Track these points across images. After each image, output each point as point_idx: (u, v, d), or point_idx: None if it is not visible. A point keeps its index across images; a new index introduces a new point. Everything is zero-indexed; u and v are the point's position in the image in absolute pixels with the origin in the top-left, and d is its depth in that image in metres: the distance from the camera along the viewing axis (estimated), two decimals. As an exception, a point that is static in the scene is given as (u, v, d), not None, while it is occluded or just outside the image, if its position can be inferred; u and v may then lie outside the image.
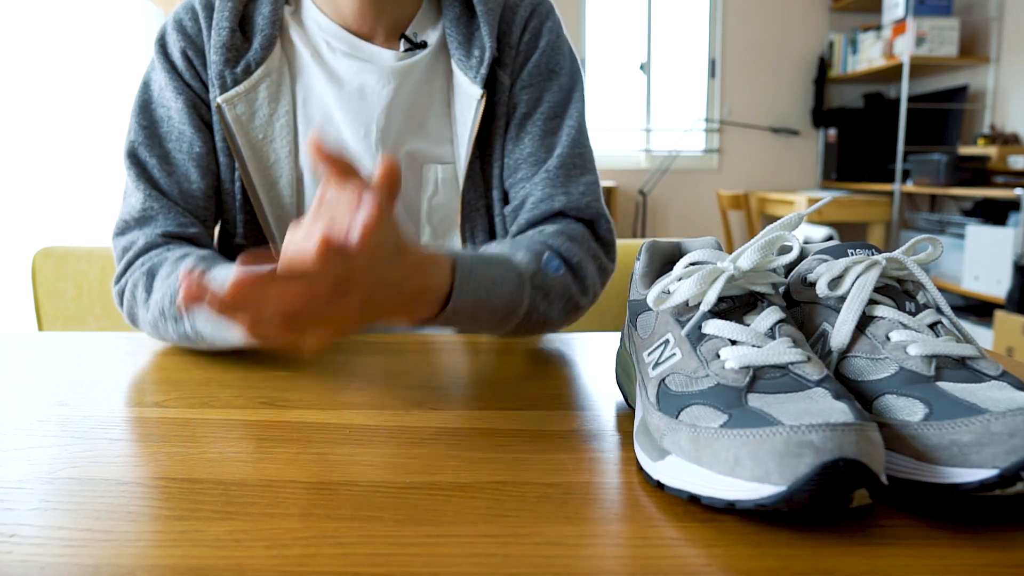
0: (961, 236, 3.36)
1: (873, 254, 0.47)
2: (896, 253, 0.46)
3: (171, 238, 0.75)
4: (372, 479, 0.42)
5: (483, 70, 0.78)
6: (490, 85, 0.80)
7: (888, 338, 0.43)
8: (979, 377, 0.40)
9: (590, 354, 0.72)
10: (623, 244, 1.06)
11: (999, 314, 2.81)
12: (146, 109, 0.80)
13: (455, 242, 0.83)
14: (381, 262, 0.48)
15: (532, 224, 0.78)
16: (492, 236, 0.83)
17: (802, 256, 0.51)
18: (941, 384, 0.40)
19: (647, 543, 0.36)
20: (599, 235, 0.79)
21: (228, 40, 0.77)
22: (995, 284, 3.03)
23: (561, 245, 0.72)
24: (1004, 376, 0.40)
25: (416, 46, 0.81)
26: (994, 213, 3.25)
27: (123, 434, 0.50)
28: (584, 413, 0.54)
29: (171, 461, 0.45)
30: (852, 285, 0.45)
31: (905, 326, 0.43)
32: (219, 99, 0.77)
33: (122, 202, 0.78)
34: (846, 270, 0.46)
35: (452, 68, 0.81)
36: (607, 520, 0.37)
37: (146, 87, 0.81)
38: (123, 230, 0.76)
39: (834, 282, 0.46)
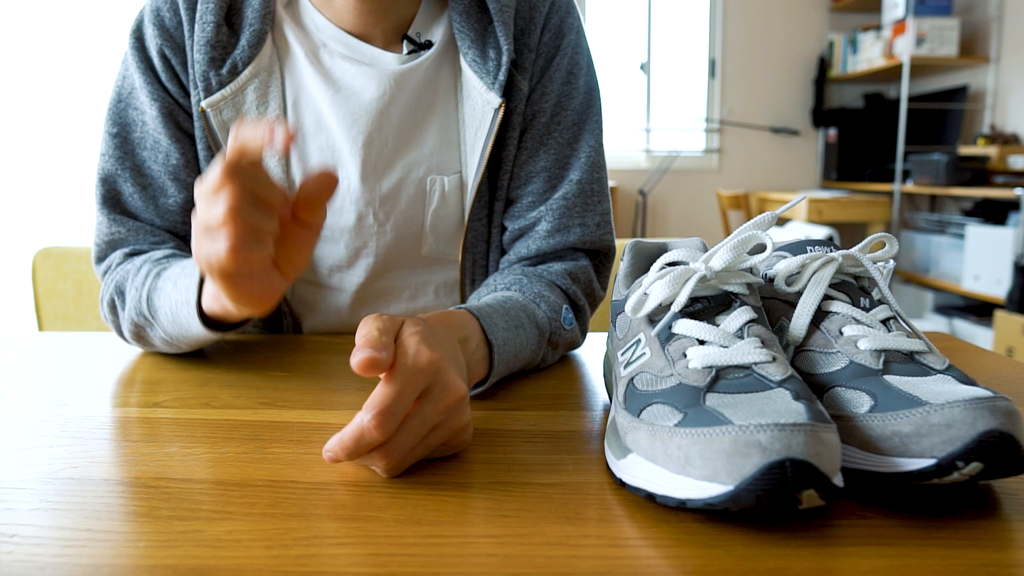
0: (961, 236, 3.35)
1: (831, 251, 0.48)
2: (852, 250, 0.47)
3: (142, 254, 0.72)
4: (372, 479, 0.42)
5: (501, 76, 0.71)
6: (507, 91, 0.73)
7: (841, 332, 0.44)
8: (925, 371, 0.41)
9: (590, 354, 0.72)
10: (621, 244, 1.06)
11: (999, 314, 2.81)
12: (117, 112, 0.74)
13: (455, 251, 0.80)
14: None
15: (542, 254, 0.74)
16: (489, 244, 0.79)
17: None
18: (887, 377, 0.41)
19: (647, 543, 0.36)
20: (602, 269, 0.77)
21: (213, 36, 0.70)
22: (995, 284, 3.03)
23: (570, 289, 0.72)
24: (949, 370, 0.42)
25: (420, 47, 0.75)
26: (994, 213, 3.25)
27: (123, 434, 0.50)
28: (584, 413, 0.54)
29: (171, 461, 0.45)
30: (808, 281, 0.46)
31: (858, 321, 0.44)
32: (203, 103, 0.71)
33: (94, 226, 0.74)
34: (803, 266, 0.47)
35: (461, 65, 0.75)
36: (607, 520, 0.37)
37: (119, 86, 0.75)
38: (99, 257, 0.74)
39: (792, 278, 0.47)
